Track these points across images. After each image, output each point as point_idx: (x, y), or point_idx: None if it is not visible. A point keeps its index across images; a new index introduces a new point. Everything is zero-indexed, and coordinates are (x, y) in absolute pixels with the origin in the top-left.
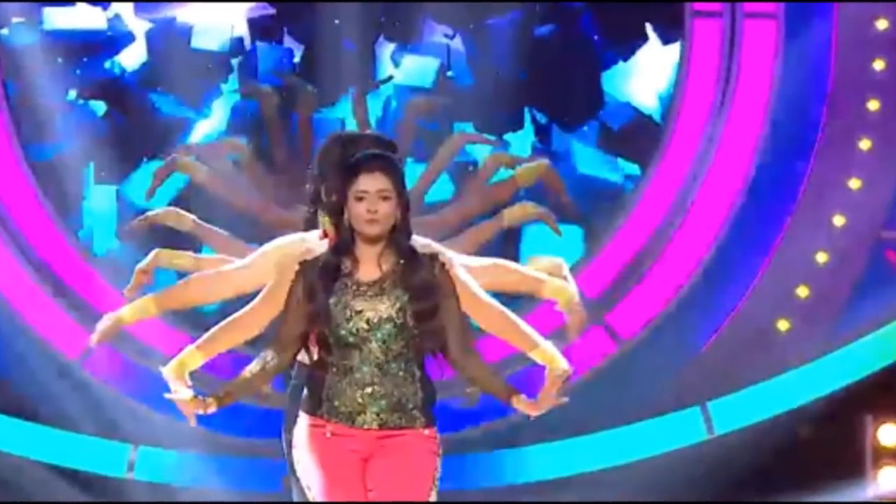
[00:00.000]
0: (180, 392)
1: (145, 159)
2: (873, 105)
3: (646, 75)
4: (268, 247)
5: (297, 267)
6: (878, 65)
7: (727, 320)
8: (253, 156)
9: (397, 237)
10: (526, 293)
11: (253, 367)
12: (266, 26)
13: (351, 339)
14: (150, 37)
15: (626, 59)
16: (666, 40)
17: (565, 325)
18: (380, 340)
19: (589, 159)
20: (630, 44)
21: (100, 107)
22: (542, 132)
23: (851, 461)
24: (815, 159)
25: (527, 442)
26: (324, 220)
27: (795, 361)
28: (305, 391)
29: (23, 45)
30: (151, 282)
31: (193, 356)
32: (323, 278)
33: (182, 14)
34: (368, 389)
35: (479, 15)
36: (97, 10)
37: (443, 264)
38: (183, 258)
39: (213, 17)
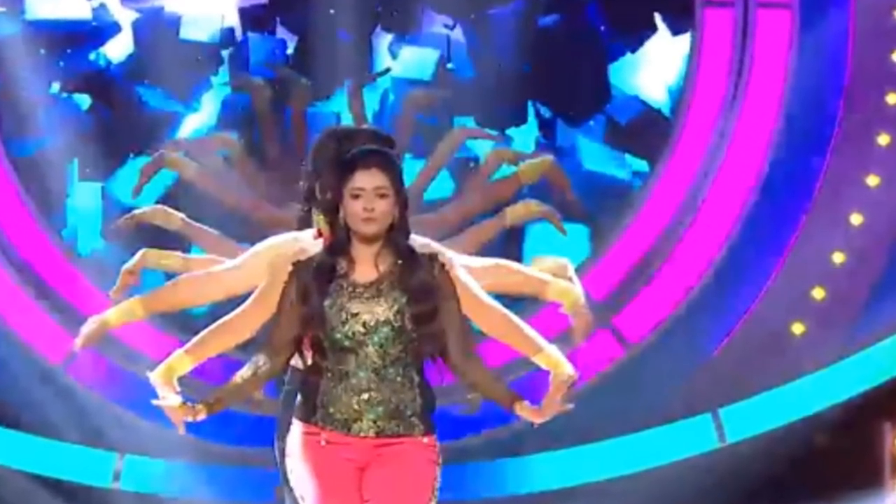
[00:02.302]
0: (168, 398)
1: (132, 155)
2: (892, 99)
3: (655, 67)
4: (260, 246)
5: (290, 267)
6: None
7: (739, 323)
8: (244, 151)
9: (395, 237)
10: (529, 295)
11: (244, 373)
12: (258, 16)
13: (347, 343)
14: (137, 27)
15: (634, 51)
16: (676, 31)
17: (570, 329)
18: (377, 344)
19: (595, 155)
20: (638, 34)
21: (84, 100)
22: (546, 127)
23: (869, 470)
24: (831, 155)
25: (530, 450)
26: (318, 218)
27: (811, 366)
28: (299, 397)
29: (4, 36)
30: (138, 283)
31: (182, 361)
32: (317, 279)
33: (170, 4)
34: (365, 395)
35: (480, 4)
36: None
37: (442, 265)
38: (171, 258)
39: (203, 6)
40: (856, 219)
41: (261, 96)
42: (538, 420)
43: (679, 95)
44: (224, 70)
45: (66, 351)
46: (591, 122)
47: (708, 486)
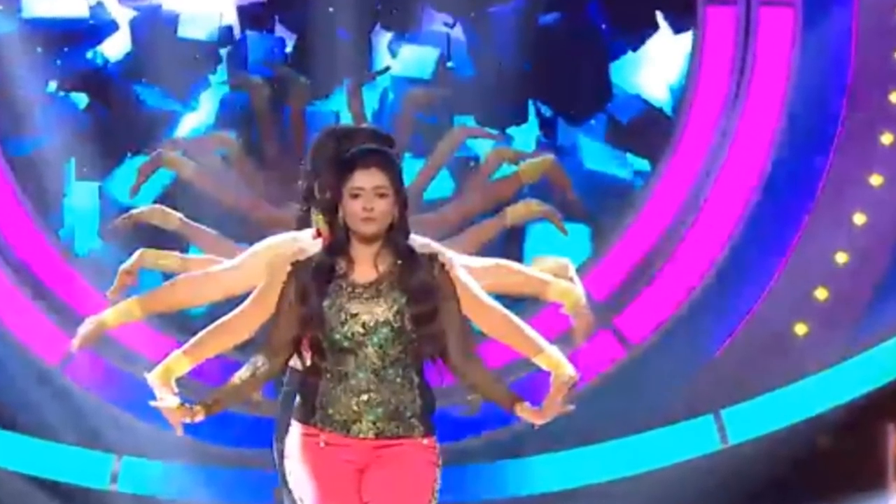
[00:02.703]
0: (166, 399)
1: (129, 154)
2: None
3: (656, 66)
4: (258, 246)
5: (289, 268)
6: None
7: (742, 324)
8: (243, 151)
9: (395, 236)
10: (530, 295)
11: (243, 374)
12: (256, 14)
13: (346, 344)
14: (135, 25)
15: (635, 49)
16: (677, 29)
17: (571, 329)
18: (376, 345)
19: (596, 154)
20: (640, 33)
21: (81, 99)
22: (546, 126)
23: (872, 472)
24: (834, 154)
25: (531, 452)
26: (317, 218)
27: (814, 367)
28: (298, 398)
29: (0, 34)
30: (136, 283)
31: (180, 362)
32: (316, 280)
33: (168, 2)
34: (364, 397)
35: (480, 2)
36: None
37: (442, 265)
38: (169, 258)
39: (201, 4)
40: (859, 218)
41: (259, 95)
42: (539, 421)
43: (681, 94)
44: (222, 69)
45: (64, 352)
46: (593, 121)
47: (710, 488)
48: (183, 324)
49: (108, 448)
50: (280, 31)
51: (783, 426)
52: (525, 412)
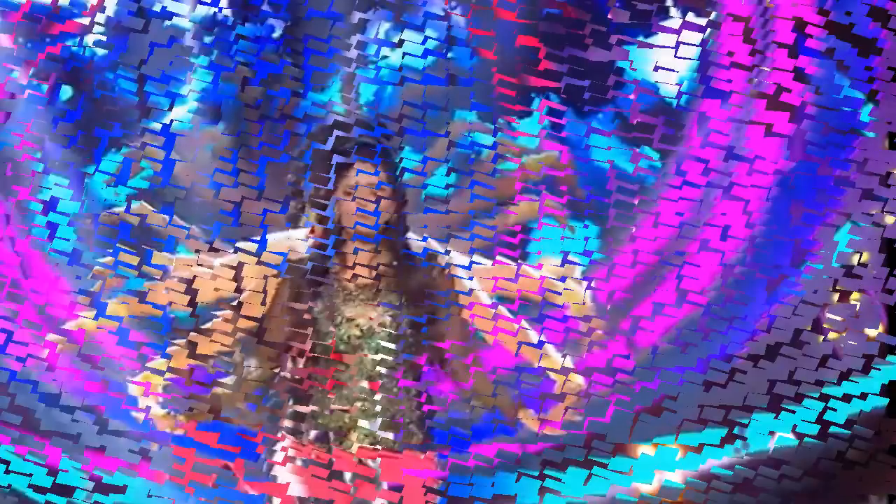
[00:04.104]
0: (152, 407)
1: (111, 148)
2: None
3: (668, 56)
4: (249, 246)
5: (281, 268)
6: None
7: (758, 329)
8: (231, 144)
9: (392, 235)
10: (534, 297)
11: (232, 380)
12: (244, 0)
13: (341, 348)
14: (117, 11)
15: (646, 38)
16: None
17: (577, 333)
18: (372, 350)
19: (605, 148)
20: (650, 22)
21: (60, 89)
22: (553, 118)
23: (893, 483)
24: (857, 149)
25: (535, 461)
26: (311, 216)
27: (833, 375)
28: (289, 407)
29: None
30: (119, 284)
31: (167, 368)
32: (309, 281)
33: None
34: (359, 405)
35: None
36: None
37: (442, 266)
38: (155, 258)
39: None
40: (887, 218)
41: (248, 85)
42: (544, 430)
43: (694, 86)
44: (209, 58)
45: (42, 356)
46: (601, 114)
47: (724, 499)
48: (170, 328)
49: (89, 457)
50: (270, 17)
51: (801, 436)
52: (529, 420)
